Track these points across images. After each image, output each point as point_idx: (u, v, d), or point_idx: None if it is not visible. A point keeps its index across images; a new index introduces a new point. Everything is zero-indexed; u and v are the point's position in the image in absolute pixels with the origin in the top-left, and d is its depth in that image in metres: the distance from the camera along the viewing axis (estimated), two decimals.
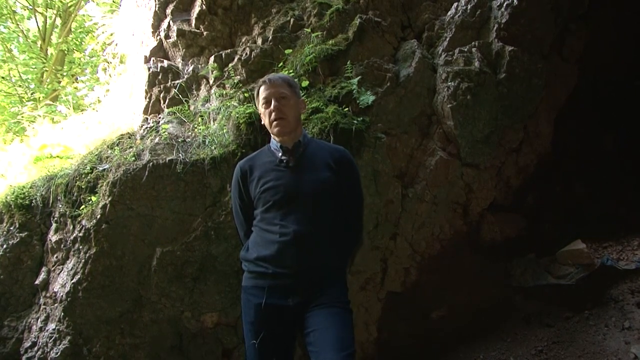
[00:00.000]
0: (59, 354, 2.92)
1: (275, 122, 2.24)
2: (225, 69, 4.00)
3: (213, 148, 3.24)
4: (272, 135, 2.35)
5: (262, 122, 2.40)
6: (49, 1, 11.52)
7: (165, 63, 4.38)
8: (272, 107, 2.23)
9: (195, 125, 3.59)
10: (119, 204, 3.02)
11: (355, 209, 2.42)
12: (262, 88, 2.30)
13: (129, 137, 3.70)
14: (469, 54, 3.83)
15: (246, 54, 3.96)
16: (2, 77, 11.69)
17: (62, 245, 3.24)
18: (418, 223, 3.55)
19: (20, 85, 11.71)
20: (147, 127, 3.78)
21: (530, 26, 3.95)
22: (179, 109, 3.88)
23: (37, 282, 3.30)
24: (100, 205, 3.05)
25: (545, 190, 4.38)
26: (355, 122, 3.30)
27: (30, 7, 11.43)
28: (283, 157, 2.25)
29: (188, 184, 3.11)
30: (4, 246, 3.36)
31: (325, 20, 3.98)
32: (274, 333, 2.14)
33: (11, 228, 3.43)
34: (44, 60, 11.23)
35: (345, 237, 2.34)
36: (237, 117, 3.26)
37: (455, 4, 4.08)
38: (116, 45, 5.71)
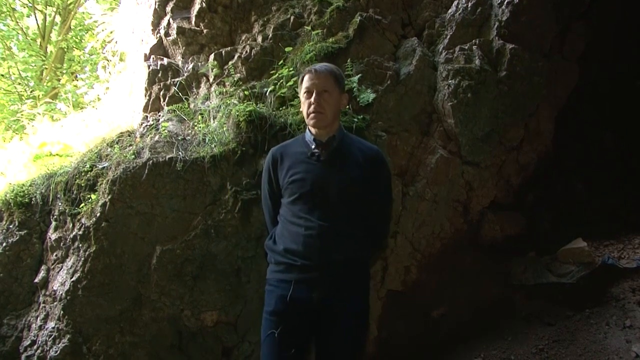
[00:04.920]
0: (58, 352, 2.91)
1: (312, 115, 2.22)
2: (225, 67, 3.99)
3: (213, 146, 3.23)
4: (307, 125, 2.34)
5: (300, 109, 2.40)
6: None
7: (165, 61, 4.37)
8: (312, 99, 2.21)
9: (195, 123, 3.58)
10: (118, 202, 3.02)
11: (381, 210, 2.41)
12: (306, 77, 2.27)
13: (129, 135, 3.69)
14: (470, 51, 3.82)
15: (246, 51, 3.94)
16: (2, 75, 11.65)
17: (61, 244, 3.23)
18: (418, 221, 3.54)
19: (19, 83, 11.68)
20: (146, 125, 3.76)
21: (531, 24, 3.94)
22: (179, 107, 3.86)
23: (36, 280, 3.29)
24: (99, 204, 3.04)
25: (545, 188, 4.37)
26: (355, 120, 3.29)
27: (30, 4, 11.41)
28: (315, 151, 2.24)
29: (188, 182, 3.10)
30: (4, 244, 3.34)
31: (326, 18, 3.96)
32: (294, 326, 2.14)
33: (10, 226, 3.42)
34: (44, 58, 11.21)
35: (367, 237, 2.32)
36: (237, 115, 3.25)
37: (455, 2, 4.06)
38: (116, 43, 5.69)
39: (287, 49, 3.83)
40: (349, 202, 2.21)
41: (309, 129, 2.33)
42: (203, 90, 4.11)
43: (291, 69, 3.62)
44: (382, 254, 3.44)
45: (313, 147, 2.26)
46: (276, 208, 2.34)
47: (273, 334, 2.11)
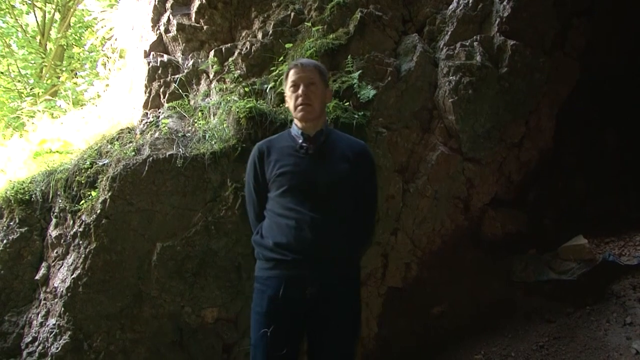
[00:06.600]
0: (59, 349, 2.91)
1: (300, 107, 2.22)
2: (226, 63, 3.98)
3: (213, 143, 3.23)
4: (294, 120, 2.33)
5: (286, 105, 2.40)
6: None
7: (165, 57, 4.37)
8: (299, 91, 2.21)
9: (195, 120, 3.57)
10: (118, 199, 3.01)
11: (368, 205, 2.39)
12: (292, 71, 2.27)
13: (129, 132, 3.69)
14: (471, 48, 3.80)
15: (246, 48, 3.93)
16: (1, 72, 11.64)
17: (62, 241, 3.23)
18: (419, 218, 3.54)
19: (19, 81, 11.65)
20: (147, 122, 3.76)
21: (532, 20, 3.93)
22: (179, 104, 3.86)
23: (37, 277, 3.29)
24: (100, 200, 3.03)
25: (546, 185, 4.37)
26: (356, 116, 3.28)
27: (29, 1, 11.38)
28: (303, 144, 2.23)
29: (188, 178, 3.10)
30: (4, 241, 3.34)
31: (326, 14, 3.95)
32: (286, 325, 2.11)
33: (11, 223, 3.42)
34: (43, 55, 11.18)
35: (356, 231, 2.30)
36: (238, 111, 3.24)
37: None
38: (116, 39, 5.67)
39: (287, 46, 3.81)
40: (338, 196, 2.19)
41: (295, 124, 2.31)
42: (203, 86, 4.10)
43: None
44: (382, 250, 3.44)
45: (301, 140, 2.24)
46: (262, 203, 2.30)
47: (265, 333, 2.06)
